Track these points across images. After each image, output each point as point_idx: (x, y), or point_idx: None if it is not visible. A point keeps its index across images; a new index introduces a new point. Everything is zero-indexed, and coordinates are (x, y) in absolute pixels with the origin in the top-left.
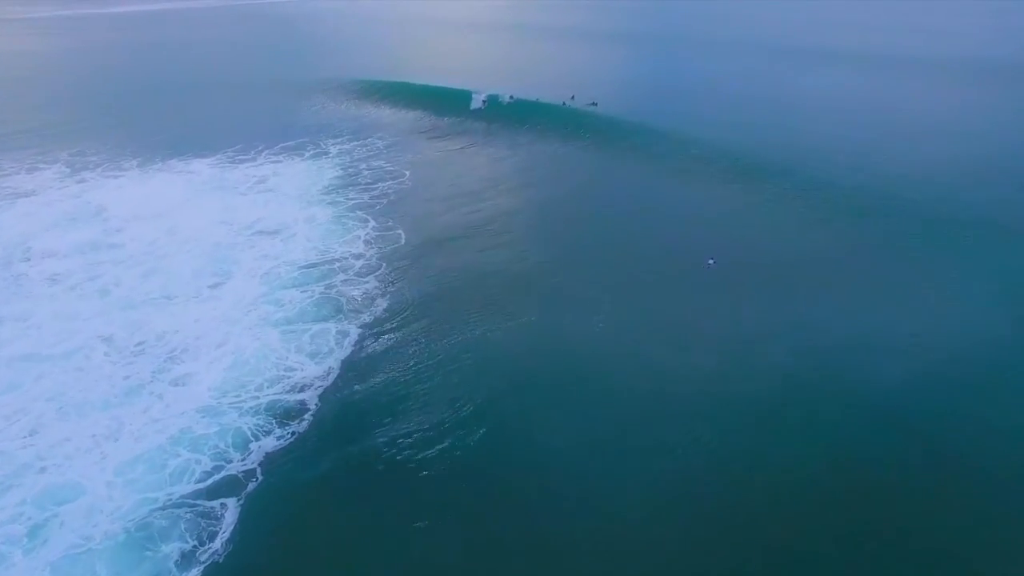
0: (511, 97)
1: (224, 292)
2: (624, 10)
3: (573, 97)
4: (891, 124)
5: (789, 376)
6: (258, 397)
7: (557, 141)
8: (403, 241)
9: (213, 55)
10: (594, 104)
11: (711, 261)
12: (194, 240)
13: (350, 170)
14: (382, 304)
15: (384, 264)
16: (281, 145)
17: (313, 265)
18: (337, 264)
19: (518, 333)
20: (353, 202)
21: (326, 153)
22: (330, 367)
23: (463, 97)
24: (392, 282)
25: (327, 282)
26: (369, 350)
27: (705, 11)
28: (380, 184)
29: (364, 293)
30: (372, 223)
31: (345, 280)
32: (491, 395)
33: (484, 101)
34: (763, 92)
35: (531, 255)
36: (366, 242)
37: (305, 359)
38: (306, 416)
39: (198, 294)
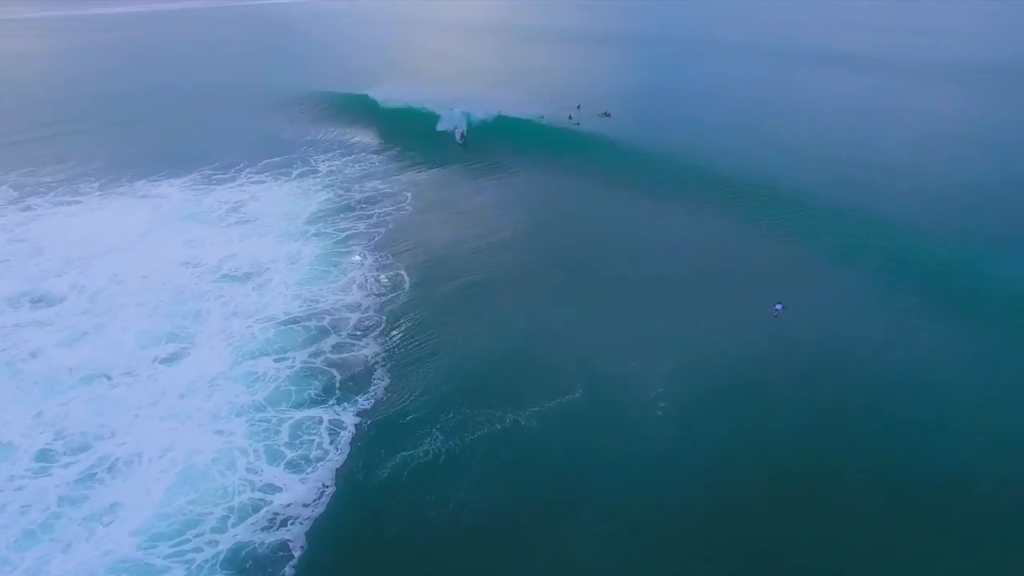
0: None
1: (179, 368)
2: (630, 11)
3: (579, 107)
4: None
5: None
6: (215, 542)
7: (569, 159)
8: (407, 286)
9: (194, 60)
10: (607, 114)
11: (779, 307)
12: (147, 290)
13: (341, 192)
14: (384, 380)
15: (385, 319)
16: (265, 162)
17: (295, 321)
18: (327, 319)
19: (561, 417)
20: (345, 233)
21: (315, 172)
22: (322, 484)
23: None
24: (397, 346)
25: (314, 347)
26: (374, 452)
27: (720, 12)
28: (376, 209)
29: (363, 363)
30: (369, 260)
31: (337, 344)
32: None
33: (462, 135)
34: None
35: (565, 306)
36: (362, 287)
37: (285, 472)
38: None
39: (143, 371)
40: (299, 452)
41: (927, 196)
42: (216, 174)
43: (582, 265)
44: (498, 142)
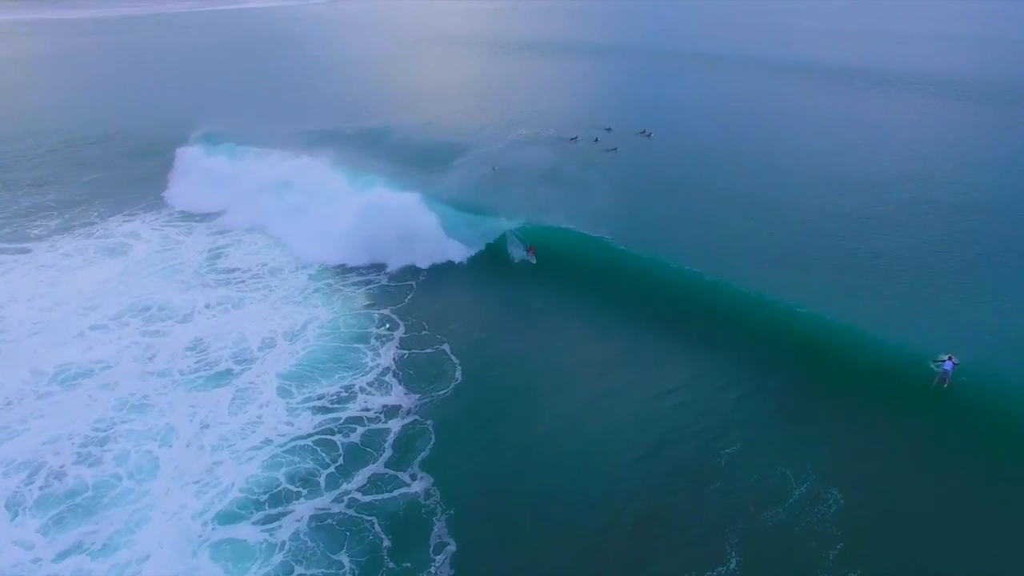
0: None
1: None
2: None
3: (610, 129)
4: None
5: None
6: None
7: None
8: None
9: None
10: (647, 133)
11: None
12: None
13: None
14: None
15: (434, 427)
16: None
17: (301, 439)
18: (353, 434)
19: None
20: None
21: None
22: None
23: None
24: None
25: (333, 491)
26: None
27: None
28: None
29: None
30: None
31: (373, 478)
32: None
33: (531, 252)
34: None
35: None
36: (396, 375)
37: None
38: None
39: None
40: None
41: None
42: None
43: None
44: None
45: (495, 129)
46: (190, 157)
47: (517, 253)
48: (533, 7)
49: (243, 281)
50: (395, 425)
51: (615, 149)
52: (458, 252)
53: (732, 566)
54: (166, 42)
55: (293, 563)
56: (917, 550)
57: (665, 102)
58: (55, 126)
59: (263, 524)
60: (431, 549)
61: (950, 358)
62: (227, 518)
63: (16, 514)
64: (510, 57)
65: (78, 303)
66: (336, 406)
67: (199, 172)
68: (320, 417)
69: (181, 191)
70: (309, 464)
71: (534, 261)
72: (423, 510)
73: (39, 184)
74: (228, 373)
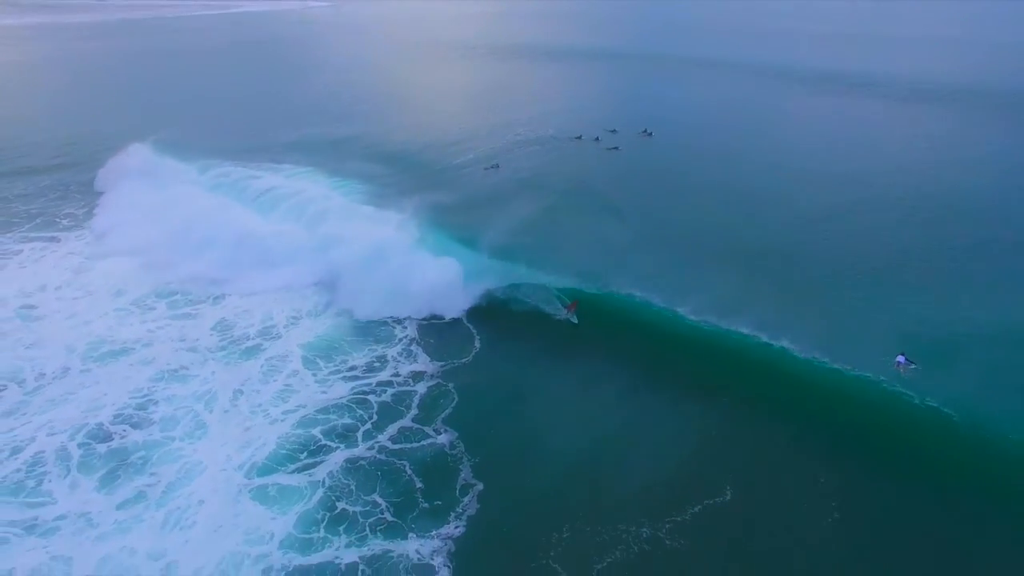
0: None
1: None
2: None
3: (615, 131)
4: None
5: None
6: None
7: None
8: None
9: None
10: (647, 133)
11: (901, 359)
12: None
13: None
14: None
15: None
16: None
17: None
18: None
19: None
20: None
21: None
22: None
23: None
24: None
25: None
26: None
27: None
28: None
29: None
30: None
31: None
32: None
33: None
34: None
35: None
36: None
37: None
38: None
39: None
40: None
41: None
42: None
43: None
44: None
45: (497, 129)
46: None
47: (557, 311)
48: (529, 10)
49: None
50: (421, 387)
51: (616, 148)
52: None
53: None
54: (167, 47)
55: (334, 500)
56: None
57: (665, 104)
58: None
59: (304, 471)
60: (458, 490)
61: (902, 355)
62: (271, 467)
63: (76, 472)
64: (510, 62)
65: (106, 289)
66: (367, 374)
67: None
68: (350, 384)
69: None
70: (346, 420)
71: (575, 320)
72: (449, 458)
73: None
74: (257, 348)
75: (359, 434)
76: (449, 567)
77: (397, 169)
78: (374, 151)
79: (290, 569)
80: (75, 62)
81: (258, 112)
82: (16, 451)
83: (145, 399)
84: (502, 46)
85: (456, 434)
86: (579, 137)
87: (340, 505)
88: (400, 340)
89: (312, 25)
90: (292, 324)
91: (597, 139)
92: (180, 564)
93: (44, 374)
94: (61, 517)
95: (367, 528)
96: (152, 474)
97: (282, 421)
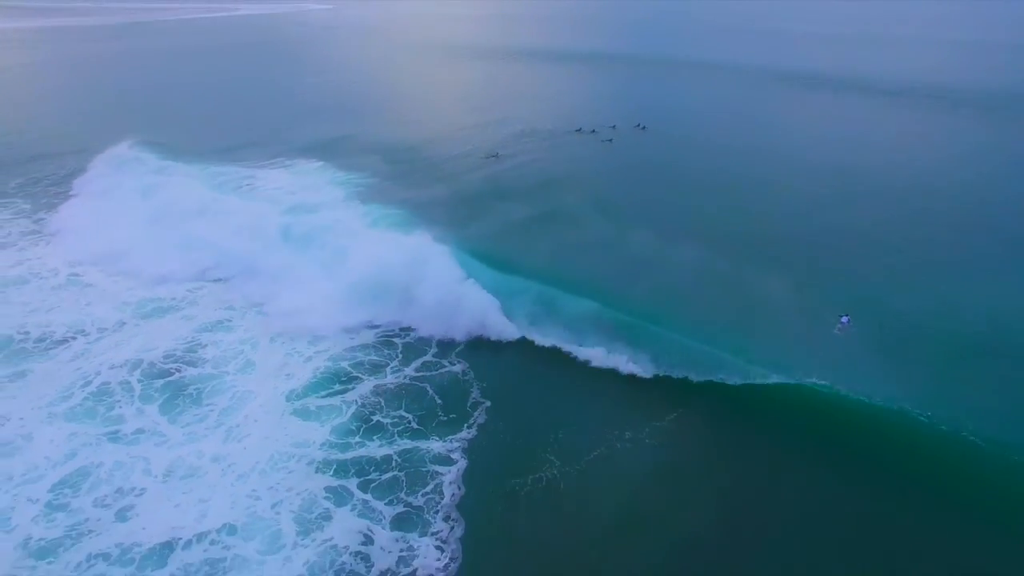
0: None
1: None
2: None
3: (614, 127)
4: None
5: None
6: None
7: None
8: None
9: None
10: (641, 127)
11: (844, 319)
12: None
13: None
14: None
15: None
16: None
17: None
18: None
19: None
20: None
21: None
22: None
23: None
24: None
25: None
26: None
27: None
28: None
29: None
30: None
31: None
32: None
33: None
34: None
35: None
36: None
37: None
38: None
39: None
40: None
41: None
42: None
43: None
44: None
45: (496, 124)
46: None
47: None
48: (528, 11)
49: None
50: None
51: (611, 140)
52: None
53: None
54: (172, 48)
55: (367, 414)
56: None
57: (658, 102)
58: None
59: (339, 394)
60: (470, 405)
61: (846, 315)
62: (310, 392)
63: (139, 401)
64: (510, 64)
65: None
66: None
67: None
68: (373, 331)
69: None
70: (373, 357)
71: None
72: (462, 383)
73: None
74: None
75: (387, 368)
76: (464, 458)
77: (410, 157)
78: (384, 146)
79: (332, 462)
80: (75, 63)
81: (273, 108)
82: (86, 384)
83: (194, 343)
84: (499, 49)
85: (467, 364)
86: (579, 130)
87: (373, 418)
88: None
89: (314, 28)
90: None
91: (593, 131)
92: (239, 463)
93: (104, 328)
94: (136, 431)
95: (396, 434)
96: (207, 404)
97: (315, 358)
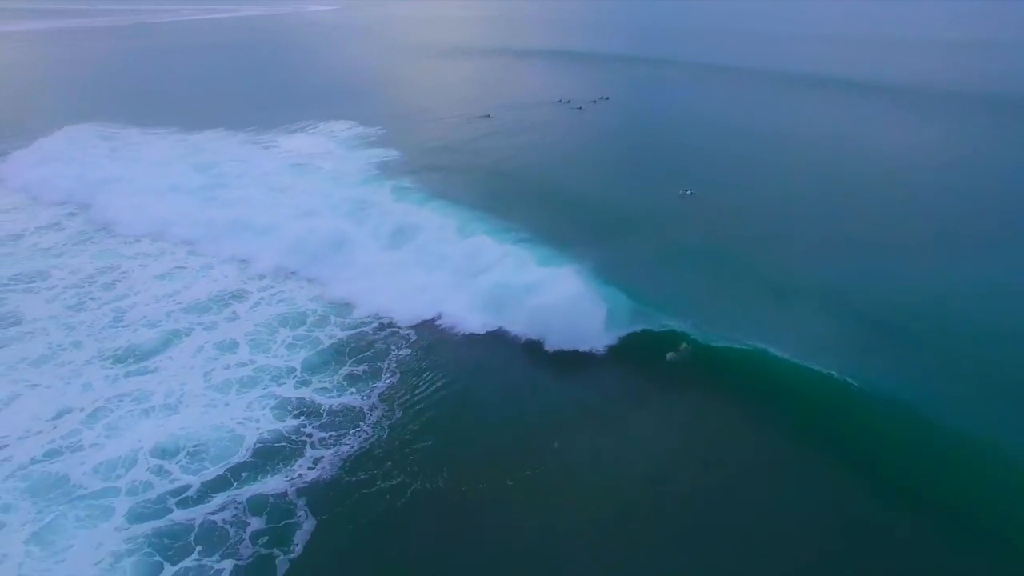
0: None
1: None
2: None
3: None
4: None
5: None
6: None
7: None
8: None
9: None
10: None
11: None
12: None
13: None
14: None
15: None
16: None
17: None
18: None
19: None
20: None
21: None
22: None
23: None
24: None
25: None
26: None
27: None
28: None
29: None
30: None
31: None
32: None
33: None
34: None
35: None
36: None
37: None
38: None
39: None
40: None
41: None
42: None
43: None
44: None
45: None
46: None
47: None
48: (530, 12)
49: None
50: None
51: (580, 108)
52: None
53: None
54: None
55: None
56: None
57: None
58: None
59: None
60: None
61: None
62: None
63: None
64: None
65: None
66: None
67: None
68: None
69: None
70: None
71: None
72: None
73: None
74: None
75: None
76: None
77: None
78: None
79: None
80: (73, 64)
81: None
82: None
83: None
84: (496, 50)
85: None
86: (562, 101)
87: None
88: None
89: (314, 26)
90: None
91: (569, 102)
92: None
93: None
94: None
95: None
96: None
97: None
